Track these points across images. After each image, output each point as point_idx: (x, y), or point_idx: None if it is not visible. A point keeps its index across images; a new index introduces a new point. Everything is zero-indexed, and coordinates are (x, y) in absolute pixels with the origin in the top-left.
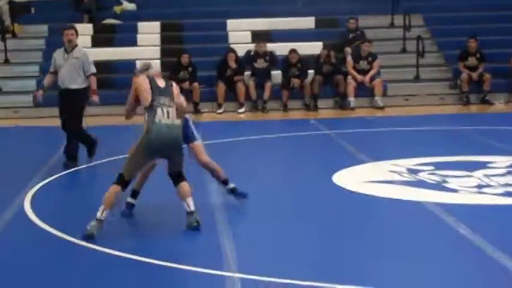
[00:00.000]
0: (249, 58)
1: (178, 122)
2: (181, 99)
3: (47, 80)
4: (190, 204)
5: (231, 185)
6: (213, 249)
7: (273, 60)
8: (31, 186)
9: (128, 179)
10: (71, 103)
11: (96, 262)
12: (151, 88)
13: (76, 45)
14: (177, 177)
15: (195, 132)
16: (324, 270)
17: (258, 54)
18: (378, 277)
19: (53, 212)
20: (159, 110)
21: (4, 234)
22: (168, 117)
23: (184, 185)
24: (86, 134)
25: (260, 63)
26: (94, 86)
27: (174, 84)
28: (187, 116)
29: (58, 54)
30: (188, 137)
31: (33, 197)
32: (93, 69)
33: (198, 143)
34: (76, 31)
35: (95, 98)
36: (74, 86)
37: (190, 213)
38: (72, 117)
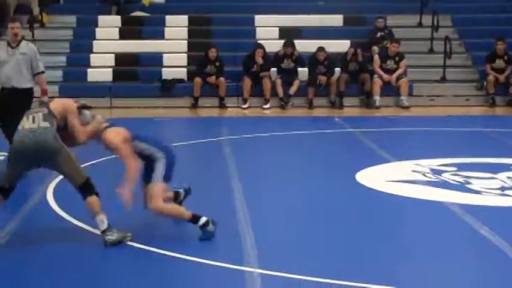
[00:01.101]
0: (277, 59)
1: (45, 124)
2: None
3: None
4: (101, 223)
5: (202, 221)
6: (234, 245)
7: (299, 61)
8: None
9: (7, 186)
10: (17, 104)
11: (116, 253)
12: None
13: (22, 39)
14: (81, 191)
15: (158, 174)
16: (345, 269)
17: (286, 55)
18: (399, 277)
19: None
20: (24, 118)
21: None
22: (33, 121)
23: (91, 201)
24: None
25: (287, 64)
26: (44, 85)
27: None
28: (158, 154)
29: (0, 49)
30: (147, 176)
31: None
32: (42, 67)
33: (155, 186)
34: (21, 24)
35: (45, 99)
36: (21, 85)
37: (103, 232)
38: (15, 120)
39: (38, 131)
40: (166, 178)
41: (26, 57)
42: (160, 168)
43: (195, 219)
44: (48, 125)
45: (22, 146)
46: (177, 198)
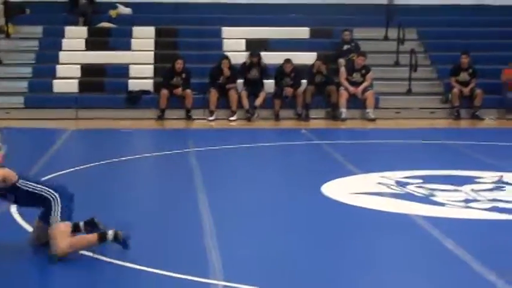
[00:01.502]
0: (243, 69)
1: None
2: None
3: None
4: None
5: (110, 235)
6: (199, 257)
7: (265, 71)
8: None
9: None
10: None
11: (83, 266)
12: None
13: None
14: None
15: (55, 215)
16: (308, 281)
17: (252, 64)
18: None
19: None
20: None
21: None
22: None
23: None
24: None
25: (252, 74)
26: None
27: None
28: (50, 193)
29: None
30: (45, 218)
31: None
32: None
33: (56, 228)
34: None
35: None
36: None
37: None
38: None
39: None
40: (65, 215)
41: None
42: (56, 208)
43: (103, 237)
44: None
45: None
46: (77, 230)
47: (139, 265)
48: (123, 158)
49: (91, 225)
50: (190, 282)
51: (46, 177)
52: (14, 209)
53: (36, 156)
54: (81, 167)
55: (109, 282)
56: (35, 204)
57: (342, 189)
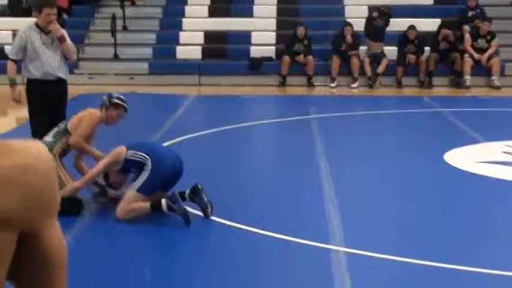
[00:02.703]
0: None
1: (48, 139)
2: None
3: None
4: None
5: (164, 207)
6: (320, 224)
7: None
8: None
9: None
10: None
11: (211, 231)
12: None
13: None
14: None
15: (136, 183)
16: (432, 250)
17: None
18: (487, 258)
19: None
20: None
21: None
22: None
23: None
24: None
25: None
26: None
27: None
28: (146, 163)
29: (31, 34)
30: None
31: None
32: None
33: (127, 194)
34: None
35: None
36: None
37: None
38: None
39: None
40: (145, 189)
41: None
42: (141, 179)
43: (155, 206)
44: (50, 140)
45: None
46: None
47: (260, 229)
48: (245, 124)
49: (194, 193)
50: (311, 248)
51: (168, 143)
52: None
53: (159, 121)
54: (203, 132)
55: (233, 247)
56: (136, 169)
57: (466, 158)
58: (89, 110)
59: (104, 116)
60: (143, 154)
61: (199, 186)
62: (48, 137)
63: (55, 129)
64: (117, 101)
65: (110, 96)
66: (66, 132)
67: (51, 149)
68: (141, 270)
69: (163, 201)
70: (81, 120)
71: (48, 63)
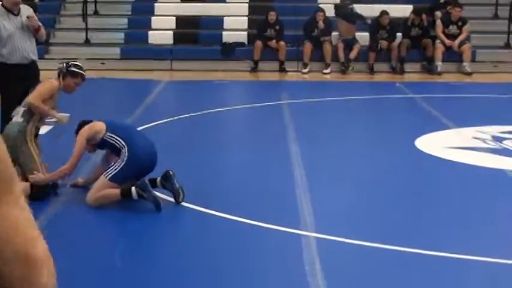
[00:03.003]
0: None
1: (18, 120)
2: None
3: None
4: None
5: (134, 195)
6: (290, 209)
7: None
8: None
9: None
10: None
11: (183, 217)
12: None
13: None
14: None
15: (110, 171)
16: (401, 235)
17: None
18: (455, 243)
19: None
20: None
21: None
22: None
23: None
24: None
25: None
26: None
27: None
28: (123, 151)
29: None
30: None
31: None
32: None
33: (99, 181)
34: None
35: None
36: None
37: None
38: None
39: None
40: (116, 178)
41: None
42: (114, 168)
43: (125, 194)
44: (20, 121)
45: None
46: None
47: (231, 215)
48: (217, 110)
49: (165, 179)
50: (281, 233)
51: (140, 128)
52: None
53: (131, 106)
54: (175, 118)
55: (205, 233)
56: (112, 152)
57: (436, 144)
58: (47, 80)
59: (62, 85)
60: (120, 140)
61: (171, 173)
62: (18, 118)
63: (21, 109)
64: (74, 69)
65: (67, 64)
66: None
67: (24, 131)
68: (111, 257)
69: (133, 189)
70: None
71: (23, 47)
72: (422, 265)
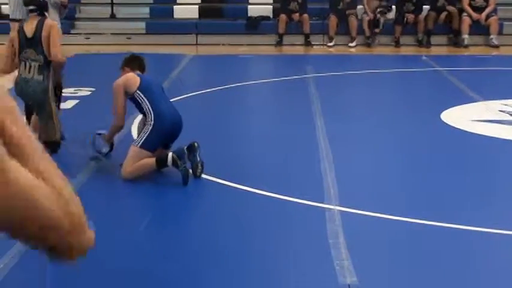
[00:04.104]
0: None
1: (39, 78)
2: (55, 49)
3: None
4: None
5: (169, 162)
6: (315, 183)
7: None
8: None
9: None
10: None
11: (206, 190)
12: (19, 38)
13: None
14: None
15: (139, 138)
16: (426, 208)
17: None
18: (480, 217)
19: None
20: (22, 64)
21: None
22: (29, 71)
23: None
24: None
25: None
26: None
27: (45, 27)
28: (149, 118)
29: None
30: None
31: None
32: None
33: (130, 150)
34: None
35: None
36: None
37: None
38: None
39: (31, 81)
40: (148, 145)
41: None
42: (143, 135)
43: (160, 162)
44: (40, 80)
45: (17, 91)
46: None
47: (255, 188)
48: (242, 84)
49: (190, 150)
50: (305, 206)
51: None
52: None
53: (161, 79)
54: (200, 92)
55: (229, 206)
56: (137, 108)
57: (462, 117)
58: (48, 22)
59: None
60: (148, 105)
61: (196, 145)
62: (36, 75)
63: (35, 64)
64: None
65: None
66: (46, 59)
67: (46, 90)
68: (134, 230)
69: (170, 154)
70: (49, 34)
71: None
72: (447, 238)
